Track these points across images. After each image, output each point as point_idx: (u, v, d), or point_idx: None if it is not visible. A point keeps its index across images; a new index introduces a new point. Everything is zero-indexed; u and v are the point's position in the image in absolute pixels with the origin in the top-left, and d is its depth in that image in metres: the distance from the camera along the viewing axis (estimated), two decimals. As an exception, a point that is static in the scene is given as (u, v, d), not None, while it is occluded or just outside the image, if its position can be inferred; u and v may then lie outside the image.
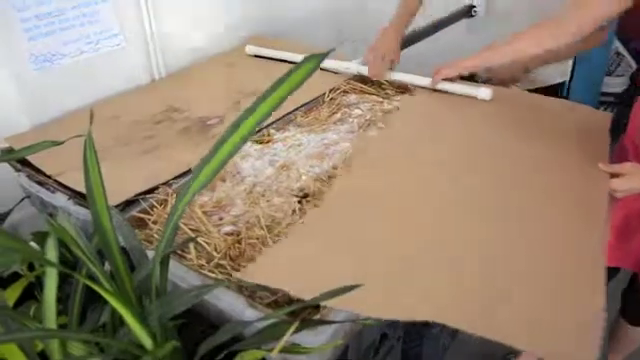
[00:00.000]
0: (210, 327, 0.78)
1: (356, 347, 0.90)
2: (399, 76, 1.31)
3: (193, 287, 0.68)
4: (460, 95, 1.23)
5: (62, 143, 0.90)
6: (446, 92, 1.25)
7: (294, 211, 0.88)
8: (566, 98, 1.95)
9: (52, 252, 0.65)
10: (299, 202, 0.91)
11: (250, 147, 1.09)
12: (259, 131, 1.16)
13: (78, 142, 1.15)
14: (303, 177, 0.97)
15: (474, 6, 1.86)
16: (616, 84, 2.59)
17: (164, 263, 0.72)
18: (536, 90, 1.47)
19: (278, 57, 1.51)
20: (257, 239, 0.83)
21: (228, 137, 0.58)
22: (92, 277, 0.63)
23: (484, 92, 1.18)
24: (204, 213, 0.90)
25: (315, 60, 0.56)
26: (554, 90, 1.75)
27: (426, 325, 1.40)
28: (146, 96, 1.36)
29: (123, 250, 0.75)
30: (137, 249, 0.76)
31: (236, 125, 0.57)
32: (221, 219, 0.89)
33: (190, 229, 0.86)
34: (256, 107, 0.56)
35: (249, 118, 0.57)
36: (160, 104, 1.31)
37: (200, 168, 0.61)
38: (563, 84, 1.89)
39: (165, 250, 0.71)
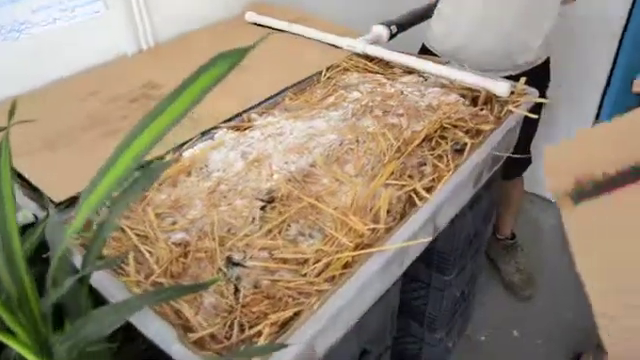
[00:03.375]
0: (151, 347, 0.69)
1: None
2: (404, 59, 1.14)
3: (111, 310, 0.58)
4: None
5: (4, 129, 0.81)
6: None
7: (253, 219, 0.76)
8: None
9: None
10: (262, 208, 0.78)
11: (225, 134, 0.97)
12: (239, 115, 1.03)
13: (45, 121, 1.06)
14: (275, 176, 0.84)
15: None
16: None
17: (83, 283, 0.63)
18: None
19: (279, 27, 1.36)
20: (205, 253, 0.72)
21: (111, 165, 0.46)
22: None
23: (501, 87, 1.00)
24: (157, 215, 0.79)
25: (228, 62, 0.43)
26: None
27: (429, 329, 1.29)
28: (129, 69, 1.25)
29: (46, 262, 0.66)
30: (63, 261, 0.67)
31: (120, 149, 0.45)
32: (174, 224, 0.78)
33: (136, 234, 0.76)
34: (144, 127, 0.43)
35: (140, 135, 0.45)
36: (141, 79, 1.19)
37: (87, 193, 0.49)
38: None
39: (84, 271, 0.61)
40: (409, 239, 0.73)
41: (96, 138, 1.00)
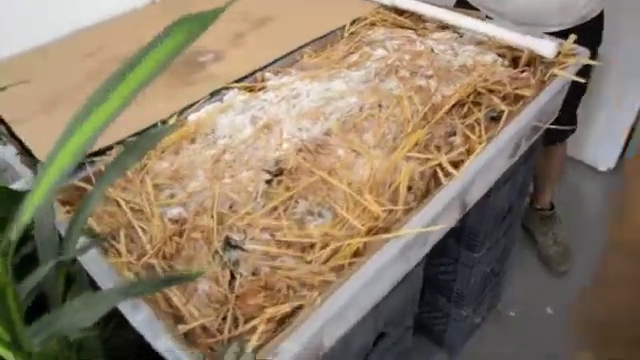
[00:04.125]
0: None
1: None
2: (437, 12, 1.01)
3: (86, 303, 0.52)
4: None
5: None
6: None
7: (257, 195, 0.68)
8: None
9: None
10: (268, 182, 0.71)
11: (236, 96, 0.89)
12: (252, 74, 0.94)
13: (45, 81, 1.00)
14: (285, 145, 0.76)
15: None
16: None
17: (61, 268, 0.57)
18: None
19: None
20: (202, 232, 0.65)
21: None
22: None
23: (546, 47, 0.86)
24: (155, 187, 0.73)
25: (185, 32, 0.35)
26: None
27: (456, 305, 1.22)
28: (138, 23, 1.16)
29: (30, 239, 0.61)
30: (49, 240, 0.61)
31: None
32: (172, 197, 0.72)
33: (131, 208, 0.70)
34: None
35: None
36: (150, 33, 1.11)
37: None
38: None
39: (63, 255, 0.56)
40: (431, 222, 0.65)
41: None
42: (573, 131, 1.34)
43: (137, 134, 0.82)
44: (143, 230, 0.67)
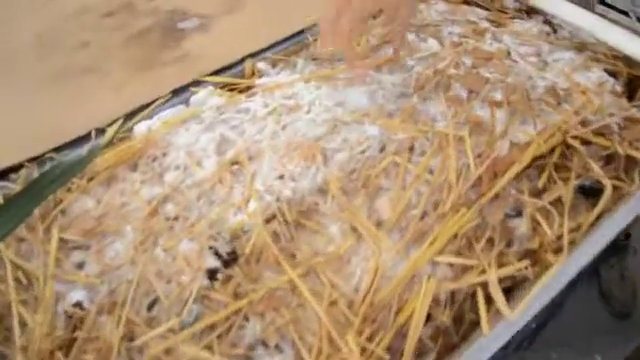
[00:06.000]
0: None
1: None
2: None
3: None
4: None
5: None
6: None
7: (189, 297, 0.44)
8: None
9: None
10: (211, 276, 0.46)
11: (209, 97, 0.62)
12: (240, 62, 0.67)
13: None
14: (251, 204, 0.50)
15: None
16: None
17: None
18: None
19: None
20: (98, 352, 0.42)
21: None
22: None
23: None
24: (63, 244, 0.50)
25: None
26: None
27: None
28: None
29: None
30: None
31: None
32: (81, 267, 0.49)
33: (17, 280, 0.48)
34: None
35: None
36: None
37: None
38: None
39: None
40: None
41: (38, 77, 0.69)
42: None
43: (59, 148, 0.58)
44: (22, 325, 0.45)
